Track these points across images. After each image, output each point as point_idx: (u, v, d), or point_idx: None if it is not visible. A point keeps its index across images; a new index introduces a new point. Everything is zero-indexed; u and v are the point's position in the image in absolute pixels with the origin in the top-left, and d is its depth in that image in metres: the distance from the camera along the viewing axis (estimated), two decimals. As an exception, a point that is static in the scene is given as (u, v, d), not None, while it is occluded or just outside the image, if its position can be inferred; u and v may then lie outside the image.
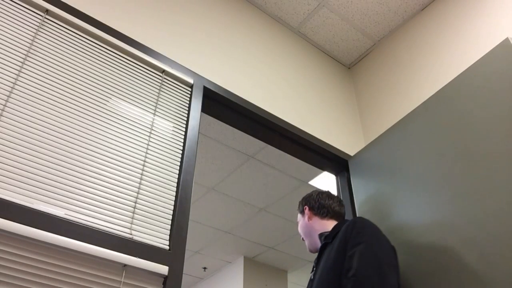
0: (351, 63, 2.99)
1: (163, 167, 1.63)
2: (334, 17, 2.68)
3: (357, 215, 2.15)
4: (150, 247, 1.39)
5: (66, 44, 1.62)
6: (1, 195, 1.20)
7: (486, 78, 1.76)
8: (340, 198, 1.85)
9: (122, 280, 1.30)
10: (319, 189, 1.99)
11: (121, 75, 1.71)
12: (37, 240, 1.19)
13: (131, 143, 1.59)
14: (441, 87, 2.20)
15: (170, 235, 1.49)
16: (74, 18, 1.67)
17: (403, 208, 1.91)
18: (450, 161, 1.77)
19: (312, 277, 1.59)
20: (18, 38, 1.50)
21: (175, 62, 1.93)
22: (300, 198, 1.89)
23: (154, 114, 1.72)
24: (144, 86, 1.76)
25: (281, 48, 2.61)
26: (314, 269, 1.62)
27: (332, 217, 1.74)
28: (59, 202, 1.31)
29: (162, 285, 1.37)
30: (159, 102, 1.77)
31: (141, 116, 1.68)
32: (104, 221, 1.37)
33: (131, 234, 1.40)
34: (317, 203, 1.77)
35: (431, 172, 1.84)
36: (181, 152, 1.72)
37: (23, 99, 1.40)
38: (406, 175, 1.96)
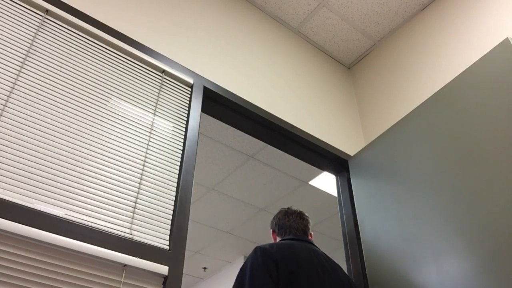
0: (351, 63, 2.99)
1: (163, 167, 1.63)
2: (334, 17, 2.68)
3: (357, 215, 2.15)
4: (150, 247, 1.39)
5: (66, 44, 1.62)
6: (1, 195, 1.20)
7: (486, 78, 1.76)
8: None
9: (122, 280, 1.30)
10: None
11: (121, 75, 1.71)
12: (37, 240, 1.19)
13: (131, 143, 1.59)
14: (441, 87, 2.20)
15: (170, 235, 1.49)
16: (74, 18, 1.67)
17: (403, 208, 1.91)
18: (450, 161, 1.77)
19: None
20: (18, 38, 1.50)
21: (175, 62, 1.93)
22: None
23: (154, 114, 1.72)
24: (144, 86, 1.76)
25: (281, 48, 2.61)
26: None
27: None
28: (59, 202, 1.31)
29: (162, 285, 1.37)
30: (159, 102, 1.77)
31: (141, 116, 1.68)
32: (104, 221, 1.37)
33: (131, 234, 1.40)
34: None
35: (431, 172, 1.84)
36: (181, 152, 1.72)
37: (23, 99, 1.40)
38: (406, 175, 1.96)
